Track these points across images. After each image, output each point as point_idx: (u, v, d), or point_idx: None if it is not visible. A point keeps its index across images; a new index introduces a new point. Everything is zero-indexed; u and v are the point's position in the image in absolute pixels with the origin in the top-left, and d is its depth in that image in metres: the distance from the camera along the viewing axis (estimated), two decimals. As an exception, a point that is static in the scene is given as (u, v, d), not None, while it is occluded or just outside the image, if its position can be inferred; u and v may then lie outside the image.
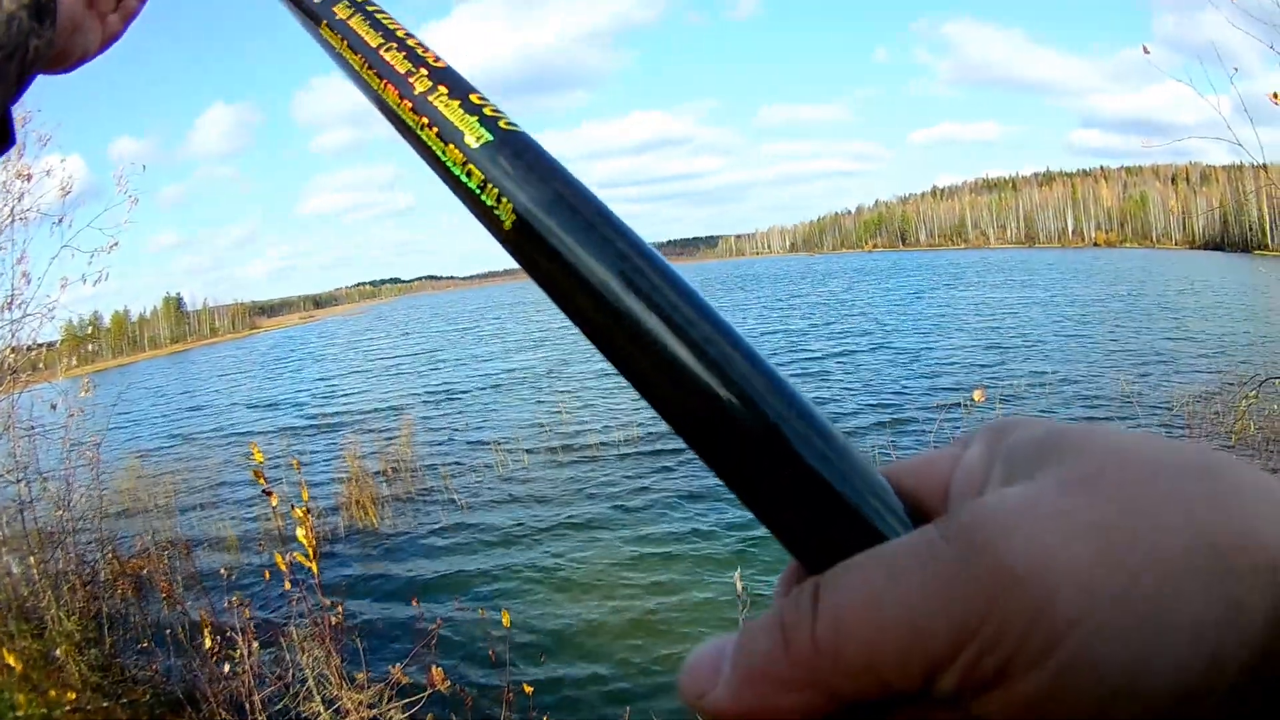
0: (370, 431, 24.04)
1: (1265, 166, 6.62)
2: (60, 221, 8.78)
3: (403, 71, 0.60)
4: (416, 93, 0.57)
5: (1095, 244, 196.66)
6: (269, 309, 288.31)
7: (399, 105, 0.59)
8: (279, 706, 6.11)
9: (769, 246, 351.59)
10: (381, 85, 0.61)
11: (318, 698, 5.81)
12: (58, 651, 7.40)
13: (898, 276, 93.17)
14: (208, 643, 6.39)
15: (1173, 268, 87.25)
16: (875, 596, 0.37)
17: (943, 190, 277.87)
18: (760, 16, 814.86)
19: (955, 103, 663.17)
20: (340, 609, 6.32)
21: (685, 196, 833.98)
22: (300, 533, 5.38)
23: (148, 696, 8.23)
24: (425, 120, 0.56)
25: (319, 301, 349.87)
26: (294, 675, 6.16)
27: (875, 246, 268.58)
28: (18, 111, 4.75)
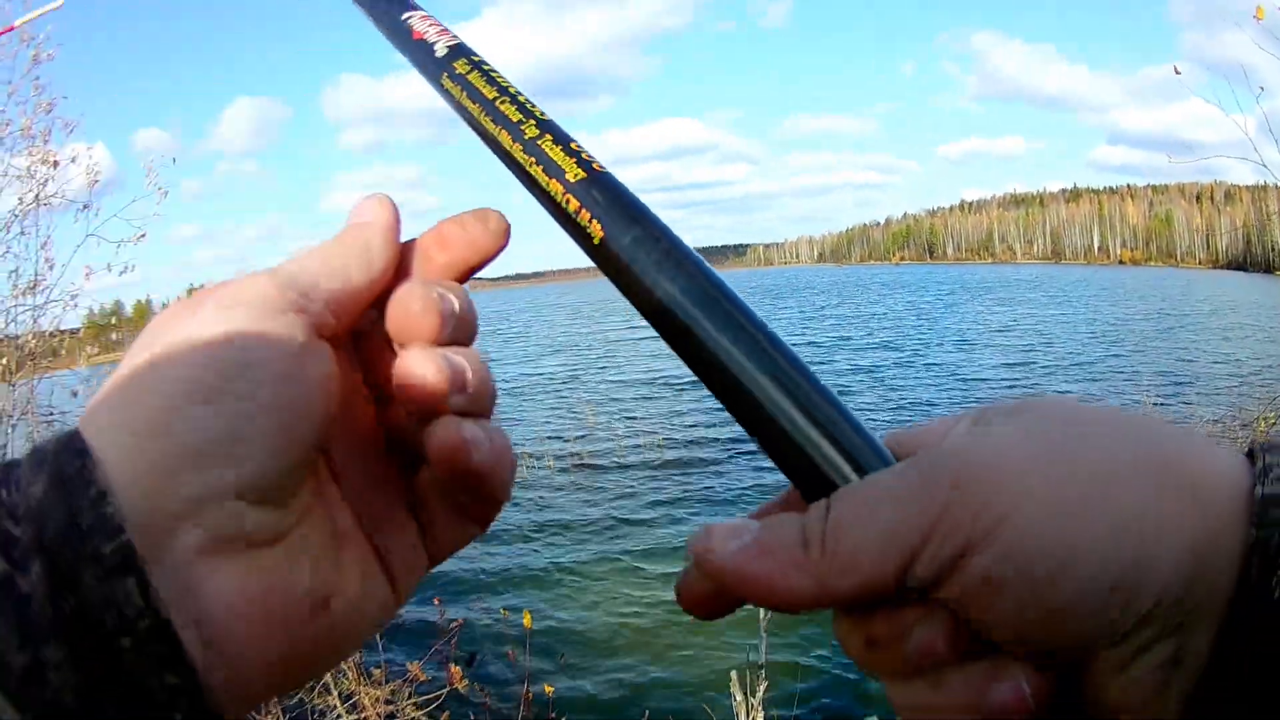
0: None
1: (1287, 185, 6.60)
2: (86, 208, 8.80)
3: (515, 120, 0.74)
4: (527, 138, 0.72)
5: (1121, 261, 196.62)
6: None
7: (511, 147, 0.74)
8: (294, 699, 6.08)
9: (797, 256, 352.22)
10: (497, 130, 0.75)
11: (334, 692, 5.78)
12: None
13: (928, 291, 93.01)
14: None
15: (1199, 288, 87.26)
16: (864, 510, 0.50)
17: (970, 204, 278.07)
18: (790, 25, 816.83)
19: (982, 117, 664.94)
20: None
21: (711, 205, 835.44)
22: None
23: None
24: (533, 160, 0.72)
25: None
26: None
27: (903, 259, 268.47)
28: (42, 99, 4.68)
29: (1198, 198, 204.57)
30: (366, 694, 5.87)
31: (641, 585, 13.07)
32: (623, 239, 0.67)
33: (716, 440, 21.56)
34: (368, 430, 0.65)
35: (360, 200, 0.68)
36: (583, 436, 22.93)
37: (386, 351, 0.62)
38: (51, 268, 8.74)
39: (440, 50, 0.83)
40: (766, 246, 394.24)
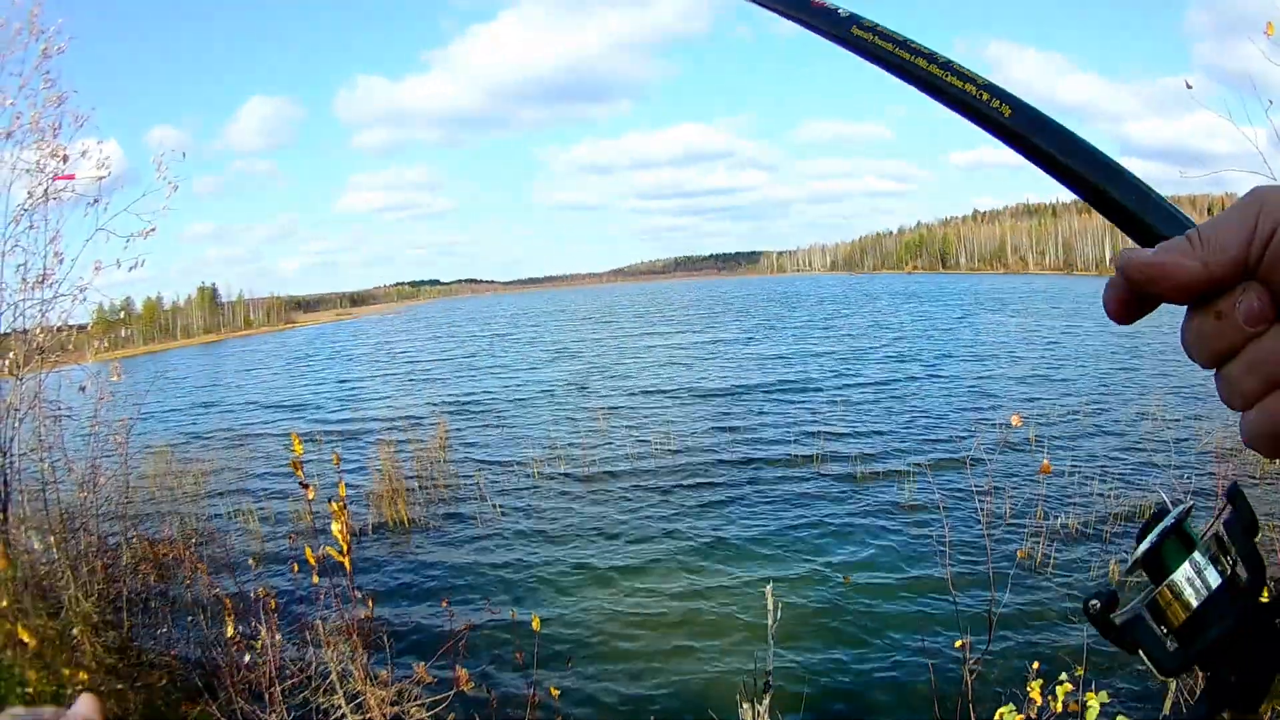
0: (403, 433, 24.04)
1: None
2: (95, 203, 8.78)
3: (925, 51, 0.99)
4: (940, 61, 0.97)
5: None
6: (305, 304, 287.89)
7: (928, 67, 0.98)
8: (299, 699, 6.07)
9: (810, 264, 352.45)
10: (912, 58, 0.99)
11: (340, 692, 5.76)
12: (74, 631, 7.37)
13: (942, 301, 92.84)
14: (230, 631, 6.35)
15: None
16: (1221, 221, 0.71)
17: (983, 214, 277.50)
18: (804, 32, 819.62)
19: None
20: (370, 604, 6.27)
21: (726, 211, 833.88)
22: (335, 527, 5.32)
23: (164, 681, 8.18)
24: (948, 74, 0.96)
25: (356, 299, 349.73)
26: (317, 669, 6.11)
27: (915, 268, 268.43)
28: (52, 92, 4.66)
29: (1209, 210, 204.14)
30: (373, 694, 5.85)
31: (651, 591, 13.07)
32: (1021, 115, 0.92)
33: (724, 449, 21.61)
34: None
35: None
36: (595, 444, 22.99)
37: None
38: (61, 262, 8.74)
39: (844, 12, 1.12)
40: (779, 254, 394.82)
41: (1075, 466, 17.75)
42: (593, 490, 18.55)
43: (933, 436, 22.04)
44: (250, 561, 11.01)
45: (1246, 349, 0.71)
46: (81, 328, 9.41)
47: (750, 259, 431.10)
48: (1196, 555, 0.82)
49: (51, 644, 7.01)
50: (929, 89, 0.99)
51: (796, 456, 20.27)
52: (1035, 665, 5.77)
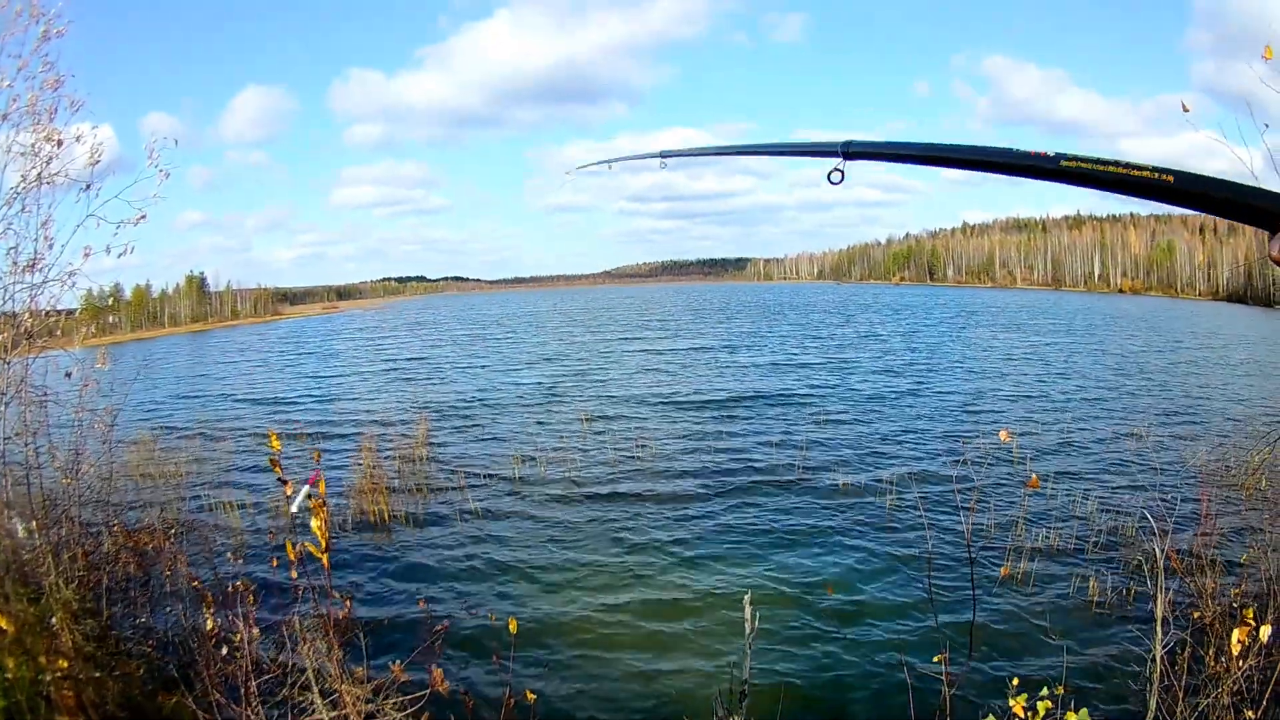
0: (384, 430, 24.07)
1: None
2: (88, 188, 8.74)
3: (1110, 160, 1.63)
4: (1121, 163, 1.60)
5: (1120, 290, 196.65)
6: (292, 296, 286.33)
7: (1115, 169, 1.60)
8: (277, 697, 6.05)
9: (797, 272, 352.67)
10: (1104, 167, 1.60)
11: (315, 689, 5.74)
12: (53, 619, 7.34)
13: (932, 314, 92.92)
14: (209, 624, 6.33)
15: (1203, 321, 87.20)
16: None
17: (972, 227, 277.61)
18: (803, 40, 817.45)
19: (991, 139, 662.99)
20: (348, 603, 6.25)
21: (714, 216, 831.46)
22: (314, 523, 5.28)
23: (141, 671, 8.15)
24: (1130, 169, 1.60)
25: (342, 293, 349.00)
26: (293, 665, 6.09)
27: (903, 279, 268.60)
28: (50, 76, 4.65)
29: (1200, 229, 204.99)
30: (348, 692, 5.83)
31: (629, 596, 13.12)
32: (1181, 177, 1.47)
33: (707, 458, 21.66)
34: None
35: None
36: (576, 449, 23.07)
37: None
38: (51, 246, 8.68)
39: (1051, 153, 1.61)
40: (766, 261, 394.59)
41: (1060, 484, 17.89)
42: (573, 495, 18.61)
43: (919, 450, 22.14)
44: (229, 555, 11.01)
45: None
46: (70, 313, 9.38)
47: (737, 265, 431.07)
48: None
49: (31, 630, 6.98)
50: (1117, 187, 1.53)
51: (780, 466, 20.39)
52: (1015, 681, 5.77)
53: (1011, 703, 5.49)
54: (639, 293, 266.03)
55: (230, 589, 6.42)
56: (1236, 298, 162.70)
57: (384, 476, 18.66)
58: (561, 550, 15.20)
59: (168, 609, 9.69)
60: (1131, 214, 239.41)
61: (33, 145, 8.38)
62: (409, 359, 56.31)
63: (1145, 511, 14.48)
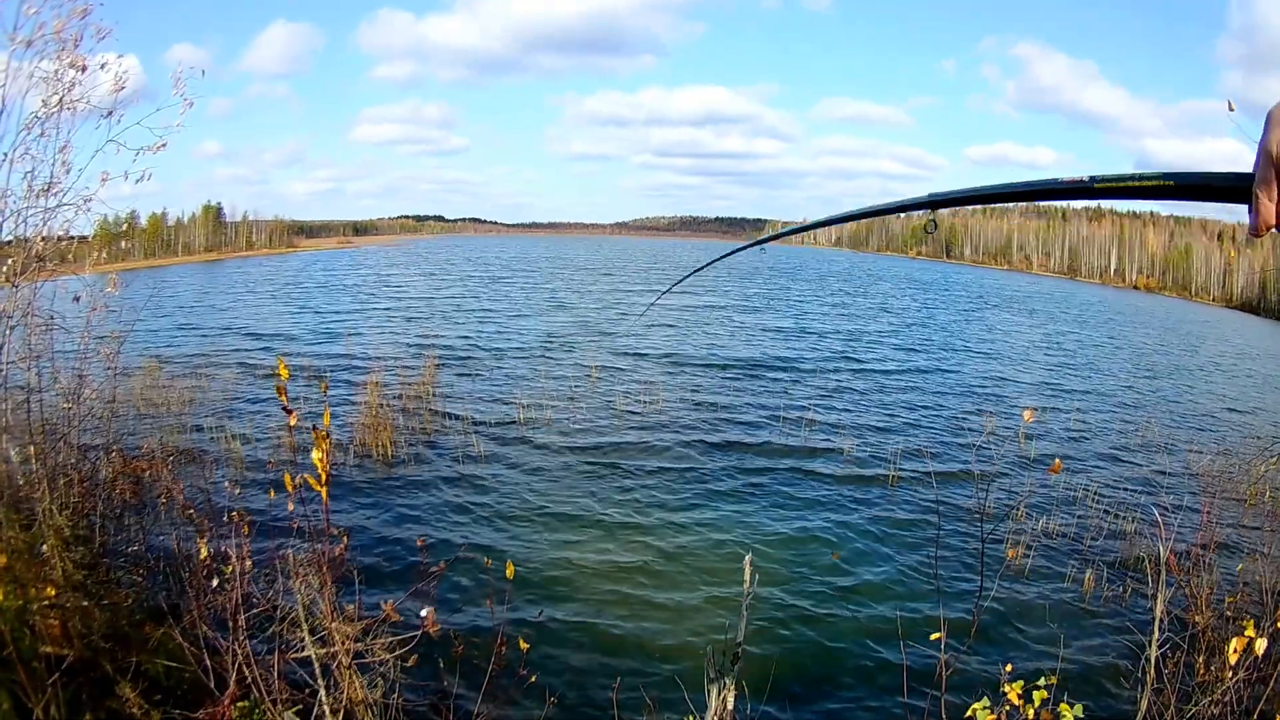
0: (391, 370, 23.93)
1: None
2: (109, 115, 8.68)
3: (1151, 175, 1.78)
4: (1150, 175, 1.78)
5: (1135, 287, 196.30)
6: (308, 229, 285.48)
7: (1142, 184, 1.77)
8: (266, 632, 6.02)
9: (815, 238, 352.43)
10: (1135, 181, 1.79)
11: (304, 626, 5.70)
12: (44, 546, 7.30)
13: (951, 291, 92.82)
14: (202, 553, 6.29)
15: (1216, 327, 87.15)
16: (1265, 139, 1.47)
17: (994, 209, 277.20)
18: (834, 9, 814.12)
19: (1015, 123, 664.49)
20: (345, 539, 6.19)
21: (737, 176, 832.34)
22: (315, 455, 5.21)
23: (130, 601, 8.12)
24: (1154, 181, 1.75)
25: (359, 228, 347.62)
26: (284, 600, 6.06)
27: (920, 254, 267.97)
28: (78, 4, 4.59)
29: (1219, 235, 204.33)
30: (338, 630, 5.80)
31: (629, 549, 13.11)
32: (1179, 178, 1.65)
33: (716, 418, 21.58)
34: None
35: None
36: (584, 399, 23.09)
37: None
38: (69, 171, 8.63)
39: (1086, 177, 1.85)
40: (784, 224, 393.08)
41: (1066, 473, 17.82)
42: (577, 445, 18.56)
43: (931, 426, 22.08)
44: (227, 485, 10.98)
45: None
46: (83, 238, 9.34)
47: (755, 226, 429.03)
48: None
49: (20, 558, 6.94)
50: (1137, 194, 1.75)
51: (789, 433, 20.32)
52: (1008, 668, 5.73)
53: (1007, 689, 5.46)
54: (656, 245, 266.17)
55: (225, 519, 6.38)
56: (1249, 307, 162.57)
57: (389, 414, 18.60)
58: (563, 500, 15.17)
59: (161, 538, 9.70)
60: (1151, 213, 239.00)
61: (55, 72, 8.32)
62: (419, 298, 56.07)
63: (1151, 509, 14.49)
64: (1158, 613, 5.76)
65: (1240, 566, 11.23)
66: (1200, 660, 7.41)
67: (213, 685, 5.87)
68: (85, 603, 7.21)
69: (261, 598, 6.24)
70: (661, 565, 12.52)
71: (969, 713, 5.61)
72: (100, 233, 10.21)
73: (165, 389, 21.26)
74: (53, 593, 6.67)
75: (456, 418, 20.32)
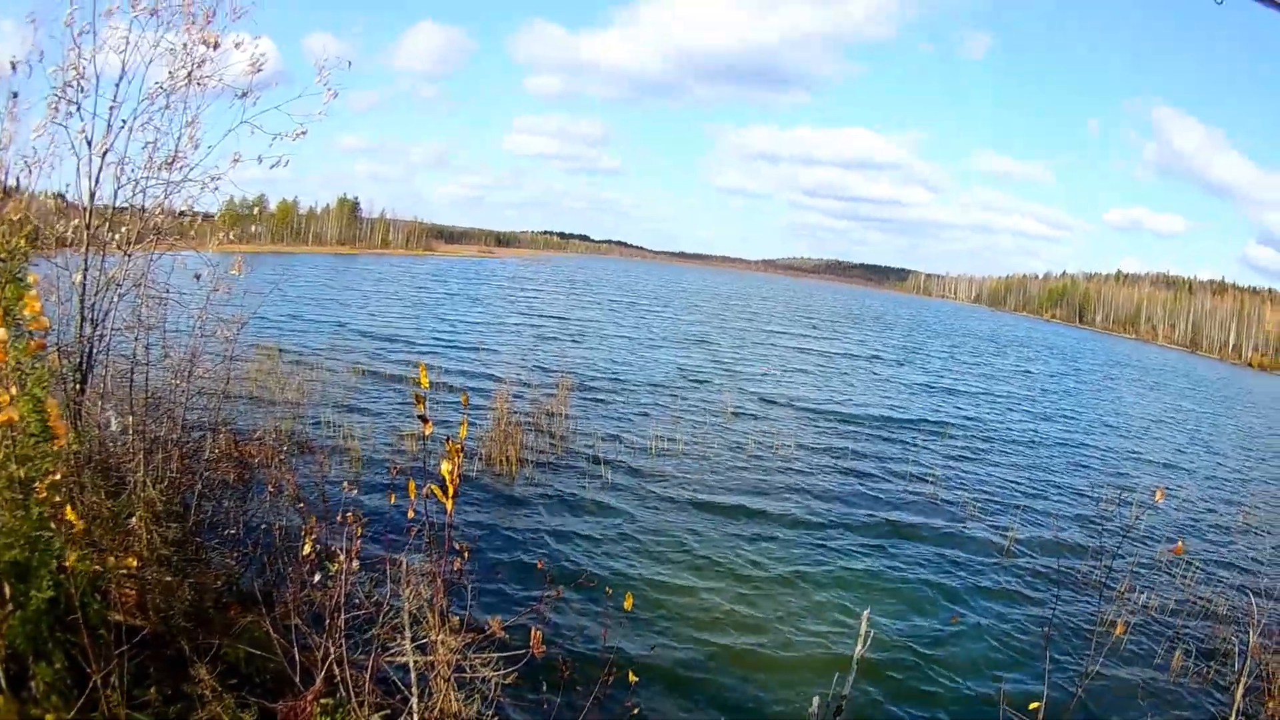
0: (522, 388, 23.84)
1: None
2: (244, 95, 8.70)
3: None
4: None
5: (1250, 364, 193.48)
6: (449, 235, 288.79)
7: None
8: (365, 635, 5.96)
9: (955, 292, 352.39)
10: None
11: (407, 633, 5.64)
12: (132, 517, 7.30)
13: (1083, 359, 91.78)
14: (307, 547, 6.24)
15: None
16: None
17: (1125, 276, 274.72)
18: (988, 59, 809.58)
19: (1150, 188, 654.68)
20: (466, 553, 6.12)
21: (881, 223, 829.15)
22: (445, 466, 5.12)
23: (219, 583, 8.07)
24: None
25: (502, 239, 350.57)
26: (390, 605, 6.00)
27: (1054, 317, 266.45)
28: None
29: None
30: (443, 642, 5.73)
31: (745, 594, 12.84)
32: None
33: (846, 471, 21.33)
34: None
35: None
36: (717, 439, 22.82)
37: None
38: (196, 147, 8.64)
39: None
40: (927, 276, 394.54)
41: (1191, 552, 17.50)
42: (706, 485, 18.25)
43: (1057, 497, 21.55)
44: (345, 485, 10.96)
45: None
46: (208, 216, 9.39)
47: (899, 275, 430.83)
48: None
49: (104, 524, 6.94)
50: None
51: (915, 492, 19.89)
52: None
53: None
54: (801, 287, 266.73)
55: (338, 519, 6.31)
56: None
57: (518, 432, 18.47)
58: (685, 539, 14.86)
59: (261, 525, 9.52)
60: (1270, 289, 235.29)
61: (184, 45, 8.35)
62: (555, 317, 56.11)
63: (1241, 593, 14.16)
64: (1238, 697, 5.61)
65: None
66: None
67: (298, 679, 5.81)
68: (169, 578, 7.19)
69: (366, 599, 6.19)
70: (777, 619, 12.16)
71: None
72: (227, 213, 10.25)
73: (284, 377, 21.36)
74: (134, 563, 6.63)
75: (586, 443, 20.17)
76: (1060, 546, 17.08)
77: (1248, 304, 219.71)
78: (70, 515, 5.34)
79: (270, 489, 10.19)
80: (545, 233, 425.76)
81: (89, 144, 8.00)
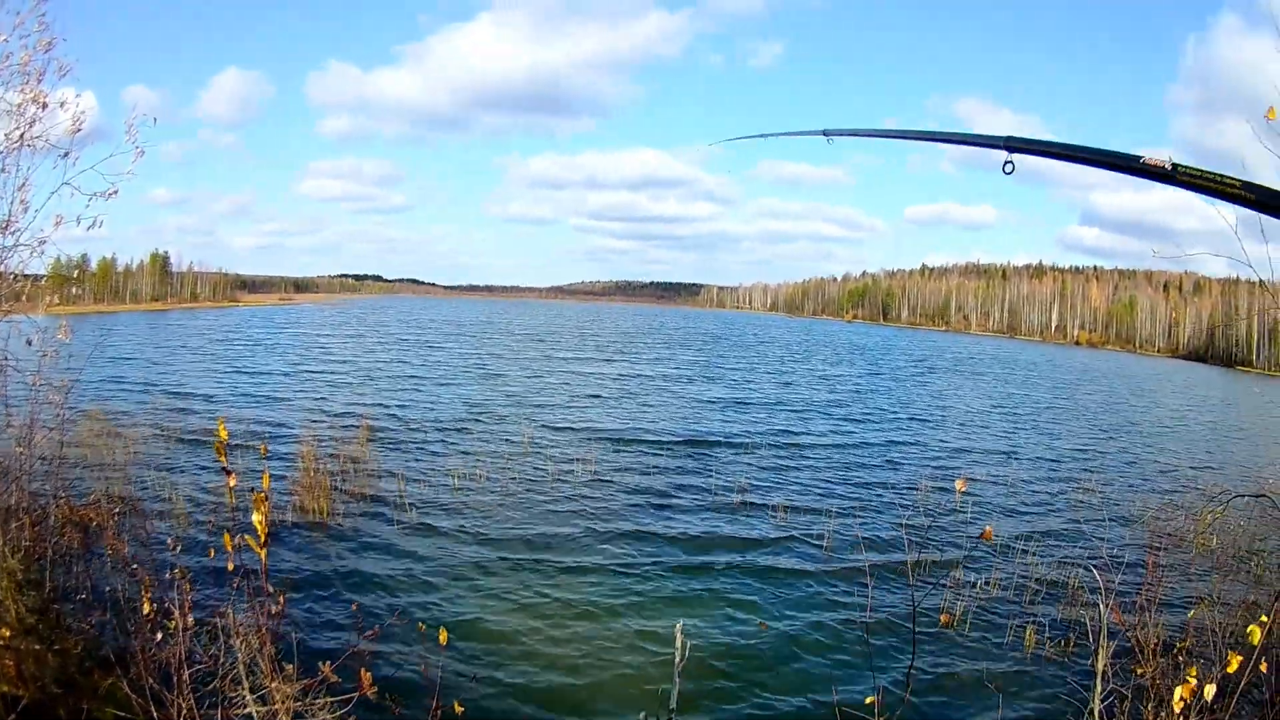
0: (326, 434, 24.11)
1: (1264, 283, 6.56)
2: (66, 156, 8.68)
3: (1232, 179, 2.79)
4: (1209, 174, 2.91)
5: (1077, 342, 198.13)
6: (251, 284, 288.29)
7: (1222, 185, 2.81)
8: (209, 688, 6.02)
9: (750, 302, 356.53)
10: (1212, 180, 2.84)
11: (245, 684, 5.72)
12: (-2, 591, 7.27)
13: (893, 355, 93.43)
14: (146, 608, 6.28)
15: (1168, 379, 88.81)
16: None
17: (932, 270, 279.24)
18: (778, 67, 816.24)
19: (956, 182, 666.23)
20: (283, 599, 6.19)
21: (673, 240, 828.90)
22: (255, 517, 5.28)
23: (79, 649, 8.11)
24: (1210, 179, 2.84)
25: (300, 285, 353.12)
26: (226, 657, 6.06)
27: (856, 317, 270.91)
28: (44, 37, 4.63)
29: (1165, 286, 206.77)
30: (278, 690, 5.82)
31: (561, 615, 13.32)
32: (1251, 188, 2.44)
33: (650, 488, 22.02)
34: None
35: None
36: (517, 468, 23.21)
37: None
38: (25, 210, 8.62)
39: (1168, 165, 2.66)
40: (720, 289, 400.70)
41: (1005, 533, 18.07)
42: (509, 513, 18.71)
43: (865, 495, 22.47)
44: (169, 541, 10.93)
45: None
46: (38, 279, 9.30)
47: (691, 290, 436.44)
48: None
49: (-26, 600, 6.90)
50: (1215, 193, 2.26)
51: (721, 503, 20.57)
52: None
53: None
54: (592, 310, 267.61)
55: (168, 575, 6.38)
56: (1197, 356, 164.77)
57: (325, 477, 18.68)
58: (494, 567, 15.30)
59: (107, 588, 9.65)
60: (1095, 267, 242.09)
61: (19, 105, 8.31)
62: (355, 361, 56.48)
63: (1090, 564, 14.59)
64: (1100, 666, 5.81)
65: (1191, 614, 11.32)
66: (1149, 710, 7.46)
67: (160, 737, 5.85)
68: (38, 646, 7.17)
69: (204, 653, 6.25)
70: (592, 634, 12.66)
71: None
72: (53, 275, 10.16)
73: (109, 439, 21.21)
74: (7, 634, 6.64)
75: (390, 484, 20.44)
76: (876, 545, 17.92)
77: (1070, 284, 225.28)
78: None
79: (109, 552, 10.17)
80: (341, 275, 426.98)
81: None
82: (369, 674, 5.85)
